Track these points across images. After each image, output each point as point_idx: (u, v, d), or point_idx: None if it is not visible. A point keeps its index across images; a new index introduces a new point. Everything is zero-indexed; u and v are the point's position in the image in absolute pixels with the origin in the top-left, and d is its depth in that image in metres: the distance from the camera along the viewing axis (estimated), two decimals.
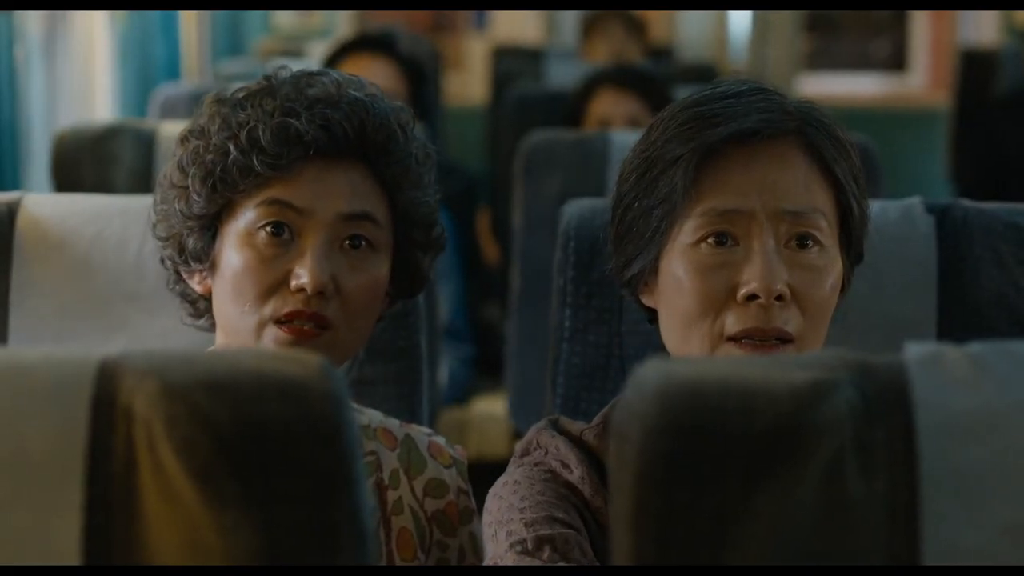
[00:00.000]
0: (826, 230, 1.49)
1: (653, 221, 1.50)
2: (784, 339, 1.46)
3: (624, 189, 1.54)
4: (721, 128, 1.48)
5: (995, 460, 0.98)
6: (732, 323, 1.46)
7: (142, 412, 0.98)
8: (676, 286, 1.49)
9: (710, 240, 1.47)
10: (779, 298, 1.45)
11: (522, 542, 1.45)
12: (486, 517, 1.52)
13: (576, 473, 1.51)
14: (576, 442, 1.54)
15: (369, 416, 1.65)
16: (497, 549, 1.47)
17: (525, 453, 1.57)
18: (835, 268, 1.50)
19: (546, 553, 1.44)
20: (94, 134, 2.65)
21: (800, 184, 1.48)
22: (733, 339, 1.46)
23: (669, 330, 1.52)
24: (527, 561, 1.44)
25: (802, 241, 1.48)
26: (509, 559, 1.45)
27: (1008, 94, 5.68)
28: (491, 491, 1.54)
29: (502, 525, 1.48)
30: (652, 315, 1.57)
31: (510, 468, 1.56)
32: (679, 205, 1.48)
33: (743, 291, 1.45)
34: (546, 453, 1.54)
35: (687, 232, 1.48)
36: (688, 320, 1.48)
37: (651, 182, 1.50)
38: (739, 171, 1.48)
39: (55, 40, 3.58)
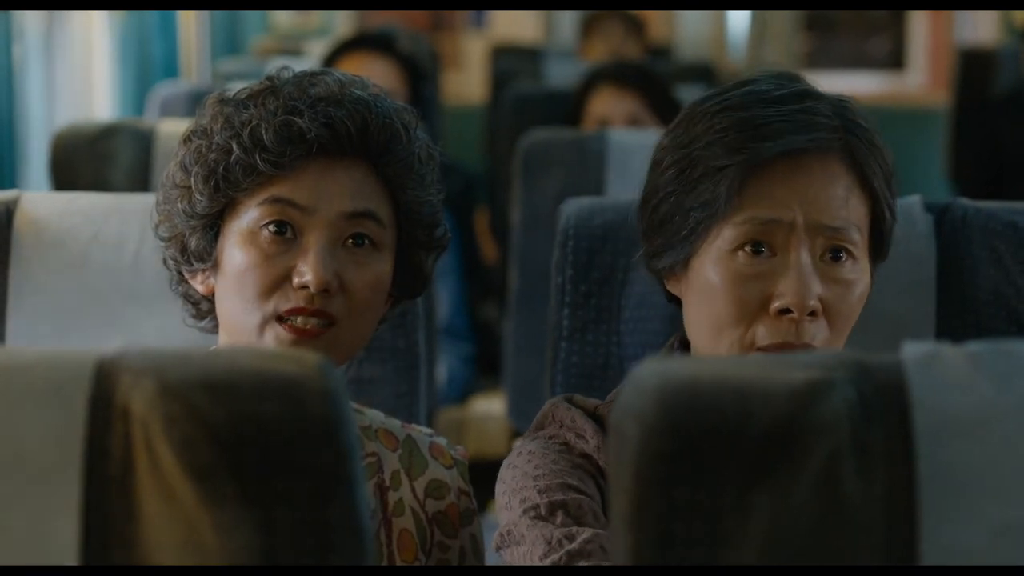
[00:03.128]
0: (859, 243, 1.50)
1: (690, 222, 1.50)
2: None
3: (661, 181, 1.53)
4: (769, 143, 1.48)
5: (993, 459, 0.98)
6: (763, 335, 1.47)
7: (139, 411, 0.98)
8: (709, 290, 1.50)
9: (747, 248, 1.48)
10: (811, 313, 1.46)
11: (535, 507, 1.47)
12: (499, 487, 1.53)
13: (592, 443, 1.52)
14: (591, 415, 1.55)
15: (370, 417, 1.65)
16: (511, 516, 1.48)
17: (540, 427, 1.58)
18: (864, 279, 1.51)
19: (559, 518, 1.45)
20: (92, 133, 2.65)
21: (840, 199, 1.49)
22: (763, 350, 1.47)
23: (698, 330, 1.53)
24: (540, 525, 1.45)
25: (836, 254, 1.49)
26: (523, 525, 1.47)
27: (1007, 93, 5.68)
28: (505, 461, 1.55)
29: (516, 492, 1.49)
30: (674, 300, 1.58)
31: (524, 441, 1.57)
32: (720, 213, 1.48)
33: (776, 304, 1.46)
34: (561, 426, 1.56)
35: (725, 238, 1.49)
36: (719, 326, 1.49)
37: (691, 183, 1.50)
38: (782, 183, 1.49)
39: (53, 39, 3.58)
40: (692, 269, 1.52)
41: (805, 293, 1.45)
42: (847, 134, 1.51)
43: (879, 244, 1.54)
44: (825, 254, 1.49)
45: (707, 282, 1.50)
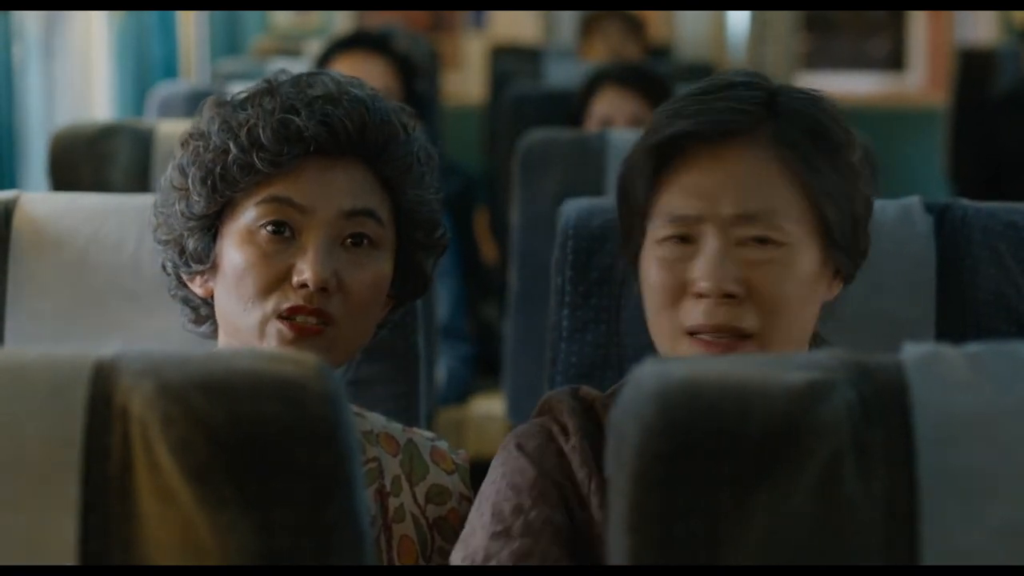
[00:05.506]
0: (786, 228, 1.48)
1: (631, 219, 1.54)
2: (740, 335, 1.47)
3: (618, 184, 1.58)
4: (672, 129, 1.50)
5: (993, 460, 0.97)
6: (686, 318, 1.49)
7: (138, 412, 0.98)
8: (646, 280, 1.53)
9: (673, 240, 1.51)
10: (732, 296, 1.46)
11: (496, 555, 1.45)
12: (483, 489, 1.53)
13: (571, 442, 1.51)
14: (586, 410, 1.54)
15: (371, 421, 1.64)
16: (477, 536, 1.47)
17: (540, 414, 1.58)
18: (799, 264, 1.49)
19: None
20: (91, 133, 2.65)
21: (755, 184, 1.49)
22: (692, 332, 1.49)
23: (648, 320, 1.56)
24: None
25: (761, 240, 1.48)
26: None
27: (1006, 93, 5.68)
28: (495, 461, 1.54)
29: (481, 516, 1.49)
30: None
31: (516, 435, 1.55)
32: (641, 204, 1.52)
33: (693, 289, 1.49)
34: (552, 419, 1.55)
35: (654, 229, 1.52)
36: (654, 312, 1.53)
37: (629, 179, 1.55)
38: (694, 172, 1.50)
39: (53, 39, 3.58)
40: (639, 267, 1.55)
41: (717, 277, 1.47)
42: (774, 118, 1.50)
43: (831, 233, 1.50)
44: (747, 240, 1.48)
45: (645, 273, 1.53)
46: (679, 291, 1.49)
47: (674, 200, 1.50)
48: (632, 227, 1.54)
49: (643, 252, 1.53)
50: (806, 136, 1.50)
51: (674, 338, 1.50)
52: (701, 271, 1.47)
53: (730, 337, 1.47)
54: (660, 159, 1.50)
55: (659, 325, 1.52)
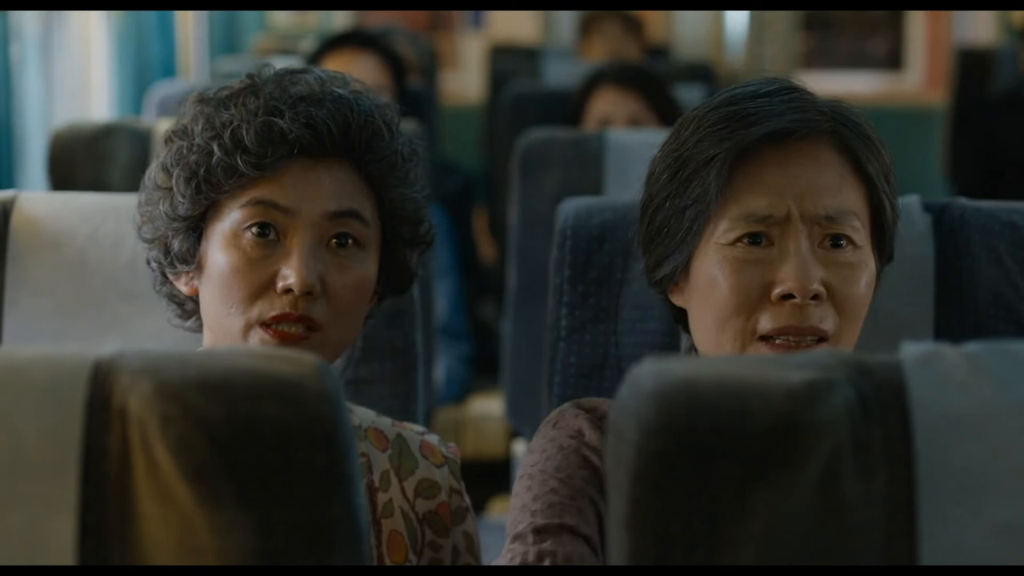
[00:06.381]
0: (860, 230, 1.50)
1: (686, 221, 1.50)
2: (821, 337, 1.46)
3: (655, 189, 1.54)
4: (755, 128, 1.48)
5: (992, 459, 0.97)
6: (766, 321, 1.46)
7: (136, 412, 0.98)
8: (710, 284, 1.49)
9: (745, 240, 1.48)
10: (815, 297, 1.46)
11: (523, 555, 1.44)
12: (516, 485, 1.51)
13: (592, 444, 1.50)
14: (601, 418, 1.53)
15: (360, 416, 1.64)
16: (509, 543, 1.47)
17: (552, 425, 1.55)
18: (868, 266, 1.51)
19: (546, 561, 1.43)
20: (90, 132, 2.65)
21: (834, 185, 1.49)
22: (765, 338, 1.47)
23: (702, 329, 1.52)
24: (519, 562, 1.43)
25: (836, 241, 1.48)
26: (505, 556, 1.45)
27: (1005, 93, 5.68)
28: (524, 459, 1.52)
29: (513, 522, 1.47)
30: (680, 315, 1.57)
31: (543, 430, 1.54)
32: (713, 205, 1.48)
33: (778, 290, 1.46)
34: (576, 434, 1.52)
35: (721, 232, 1.49)
36: (722, 318, 1.48)
37: (683, 182, 1.50)
38: (773, 172, 1.49)
39: (51, 38, 3.58)
40: (693, 270, 1.51)
41: (806, 277, 1.45)
42: (836, 122, 1.51)
43: (881, 238, 1.53)
44: (824, 241, 1.48)
45: (707, 276, 1.49)
46: (755, 293, 1.47)
47: (753, 200, 1.48)
48: (680, 235, 1.50)
49: (700, 260, 1.50)
50: (862, 139, 1.51)
51: (744, 344, 1.47)
52: (790, 272, 1.45)
53: (811, 339, 1.46)
54: (736, 160, 1.48)
55: (725, 331, 1.48)
